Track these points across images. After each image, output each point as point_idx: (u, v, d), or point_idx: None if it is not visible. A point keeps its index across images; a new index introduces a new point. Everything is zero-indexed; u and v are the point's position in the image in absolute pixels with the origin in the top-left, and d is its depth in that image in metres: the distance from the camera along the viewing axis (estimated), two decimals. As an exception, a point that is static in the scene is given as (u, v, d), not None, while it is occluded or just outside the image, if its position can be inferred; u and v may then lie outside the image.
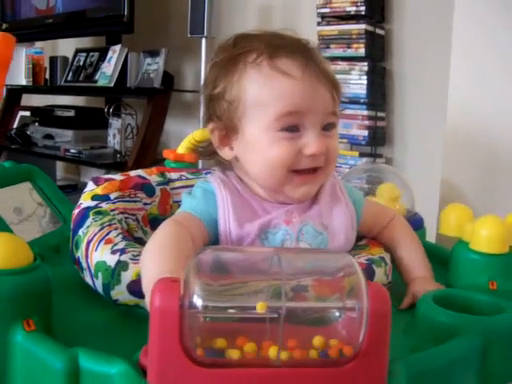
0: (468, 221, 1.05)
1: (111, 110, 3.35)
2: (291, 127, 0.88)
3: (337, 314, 0.58)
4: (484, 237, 0.98)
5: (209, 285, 0.58)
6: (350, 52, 2.40)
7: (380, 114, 2.45)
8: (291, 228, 0.91)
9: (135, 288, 0.84)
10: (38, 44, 4.08)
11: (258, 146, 0.89)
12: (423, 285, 0.95)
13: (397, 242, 1.04)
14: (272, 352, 0.56)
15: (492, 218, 1.00)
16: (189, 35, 2.81)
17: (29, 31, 3.81)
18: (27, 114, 4.03)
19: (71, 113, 3.64)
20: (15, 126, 4.03)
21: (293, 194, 0.92)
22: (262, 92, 0.88)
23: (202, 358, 0.56)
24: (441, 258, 1.14)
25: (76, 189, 3.68)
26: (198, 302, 0.56)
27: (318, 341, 0.57)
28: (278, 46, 0.90)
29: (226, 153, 0.95)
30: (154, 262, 0.78)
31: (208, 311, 0.56)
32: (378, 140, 2.44)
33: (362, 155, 2.42)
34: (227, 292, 0.59)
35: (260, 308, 0.56)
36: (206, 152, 1.00)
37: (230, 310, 0.57)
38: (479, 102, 1.82)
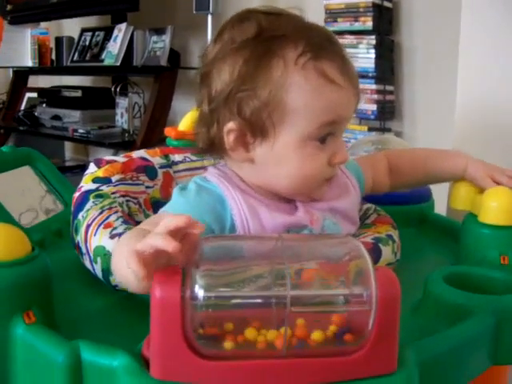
0: (479, 194, 1.03)
1: (118, 90, 3.34)
2: (327, 136, 0.85)
3: (344, 300, 0.57)
4: (494, 208, 0.95)
5: (210, 274, 0.56)
6: (357, 25, 2.37)
7: (388, 88, 2.42)
8: (316, 227, 0.89)
9: None
10: (43, 24, 4.06)
11: (290, 158, 0.84)
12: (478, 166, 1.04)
13: (409, 166, 1.07)
14: (278, 342, 0.54)
15: (501, 189, 0.97)
16: (194, 12, 2.79)
17: (33, 12, 3.79)
18: (34, 95, 4.03)
19: (78, 93, 3.64)
20: (23, 107, 4.03)
21: (318, 195, 0.90)
22: (308, 100, 0.82)
23: (205, 349, 0.55)
24: (451, 231, 1.13)
25: (85, 169, 3.66)
26: (199, 292, 0.54)
27: (325, 329, 0.55)
28: (319, 45, 0.83)
29: (239, 154, 0.87)
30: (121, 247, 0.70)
31: (210, 302, 0.54)
32: (386, 114, 2.42)
33: (370, 129, 2.39)
34: (229, 278, 0.57)
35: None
36: (202, 149, 0.92)
37: (233, 301, 0.55)
38: (490, 73, 1.79)
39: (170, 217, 0.60)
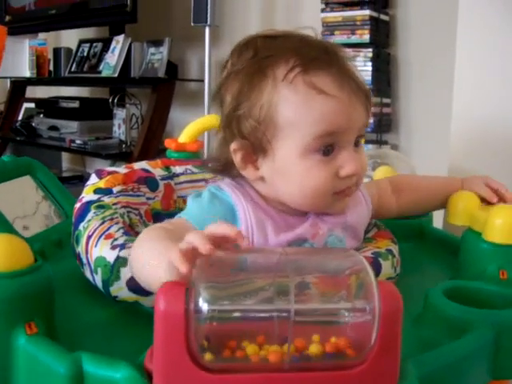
0: (476, 209, 1.04)
1: (116, 101, 3.34)
2: (327, 148, 0.83)
3: (347, 314, 0.57)
4: (498, 226, 0.95)
5: (214, 287, 0.56)
6: (354, 38, 2.38)
7: (385, 101, 2.43)
8: (317, 241, 0.89)
9: (134, 284, 0.82)
10: (42, 35, 4.07)
11: (293, 173, 0.84)
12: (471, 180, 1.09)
13: (410, 182, 1.11)
14: (281, 356, 0.54)
15: (506, 207, 0.98)
16: (192, 24, 2.79)
17: (32, 23, 3.80)
18: (32, 105, 4.03)
19: (76, 104, 3.63)
20: (20, 117, 4.03)
21: (333, 210, 0.90)
22: (297, 113, 0.82)
23: (209, 363, 0.54)
24: (450, 245, 1.14)
25: (82, 180, 3.68)
26: (203, 306, 0.54)
27: (327, 343, 0.55)
28: (310, 58, 0.82)
29: (250, 173, 0.88)
30: (145, 254, 0.74)
31: (214, 315, 0.54)
32: (383, 127, 2.42)
33: (367, 142, 2.39)
34: (233, 291, 0.57)
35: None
36: (220, 169, 0.93)
37: (237, 314, 0.56)
38: (487, 87, 1.80)
39: (223, 225, 0.63)
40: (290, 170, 0.85)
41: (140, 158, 2.89)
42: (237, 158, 0.87)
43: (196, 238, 0.60)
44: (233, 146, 0.86)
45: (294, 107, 0.82)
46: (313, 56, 0.83)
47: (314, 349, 0.55)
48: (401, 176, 1.19)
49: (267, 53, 0.84)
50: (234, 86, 0.86)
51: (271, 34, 0.88)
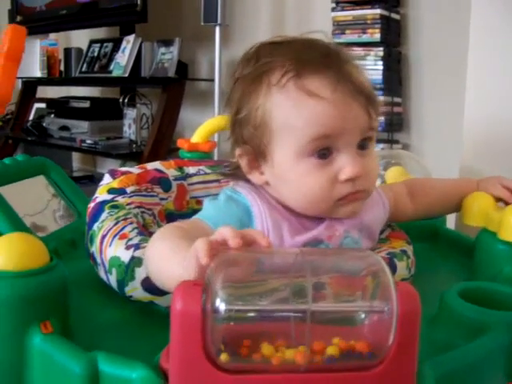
0: (492, 210, 1.03)
1: (126, 101, 3.34)
2: (323, 151, 0.82)
3: (364, 315, 0.56)
4: None
5: (232, 286, 0.56)
6: (365, 37, 2.37)
7: (396, 100, 2.42)
8: (333, 243, 0.88)
9: (149, 284, 0.82)
10: (52, 36, 4.08)
11: (291, 178, 0.84)
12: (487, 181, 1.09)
13: (426, 185, 1.11)
14: (298, 356, 0.54)
15: None
16: (202, 23, 2.79)
17: (43, 23, 3.81)
18: (43, 105, 4.04)
19: (86, 104, 3.65)
20: (31, 118, 4.04)
21: (340, 215, 0.88)
22: (289, 117, 0.82)
23: (226, 363, 0.54)
24: (464, 246, 1.13)
25: (92, 180, 3.70)
26: (221, 305, 0.54)
27: (344, 343, 0.55)
28: (305, 62, 0.82)
29: (256, 177, 0.89)
30: (163, 257, 0.74)
31: (231, 315, 0.54)
32: (394, 126, 2.42)
33: (378, 141, 2.38)
34: (250, 291, 0.57)
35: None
36: (235, 175, 0.94)
37: (254, 314, 0.55)
38: (499, 86, 1.79)
39: (255, 231, 0.64)
40: (288, 175, 0.85)
41: (150, 158, 2.90)
42: (243, 163, 0.89)
43: (228, 230, 0.61)
44: (237, 151, 0.89)
45: (287, 111, 0.82)
46: (309, 60, 0.83)
47: (331, 350, 0.54)
48: (415, 179, 1.19)
49: (268, 59, 0.85)
50: (237, 91, 0.88)
51: (277, 41, 0.89)
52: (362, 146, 0.85)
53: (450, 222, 1.32)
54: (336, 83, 0.81)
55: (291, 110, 0.82)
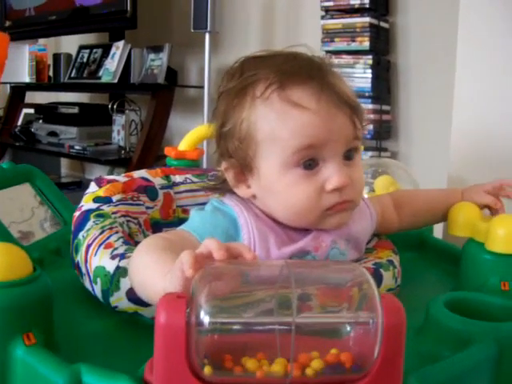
0: (478, 220, 1.03)
1: (115, 107, 3.34)
2: (308, 162, 0.82)
3: (349, 327, 0.56)
4: (501, 236, 0.95)
5: (216, 299, 0.55)
6: (354, 45, 2.38)
7: (385, 108, 2.42)
8: (320, 254, 0.88)
9: (134, 295, 0.81)
10: (41, 41, 4.07)
11: (277, 190, 0.84)
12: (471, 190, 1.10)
13: (411, 197, 1.11)
14: (283, 369, 0.54)
15: (508, 217, 0.98)
16: (192, 30, 2.79)
17: (32, 28, 3.80)
18: (31, 111, 4.02)
19: (75, 109, 3.63)
20: (19, 123, 4.02)
21: (327, 226, 0.87)
22: (274, 128, 0.82)
23: (210, 376, 0.54)
24: (451, 255, 1.13)
25: (80, 186, 3.68)
26: (205, 318, 0.53)
27: (329, 356, 0.55)
28: (288, 74, 0.82)
29: (243, 191, 0.89)
30: (147, 268, 0.73)
31: (216, 327, 0.54)
32: (383, 134, 2.42)
33: (367, 149, 2.39)
34: (235, 303, 0.57)
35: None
36: (221, 190, 0.94)
37: (239, 327, 0.55)
38: (486, 95, 1.80)
39: (241, 245, 0.64)
40: (274, 187, 0.85)
41: (139, 164, 2.89)
42: (229, 177, 0.89)
43: (212, 243, 0.61)
44: (223, 165, 0.89)
45: (271, 123, 0.82)
46: (292, 71, 0.83)
47: (316, 363, 0.54)
48: (401, 191, 1.21)
49: (251, 72, 0.85)
50: (222, 105, 0.88)
51: (261, 55, 0.89)
52: (348, 156, 0.85)
53: (438, 231, 1.32)
54: (319, 93, 0.81)
55: (276, 122, 0.82)
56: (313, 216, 0.85)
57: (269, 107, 0.82)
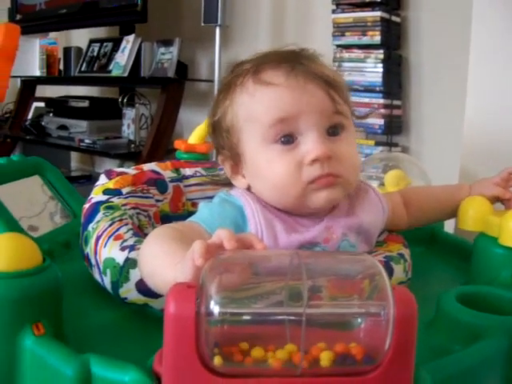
0: (489, 214, 1.03)
1: (125, 100, 3.34)
2: (286, 137, 0.83)
3: (360, 318, 0.55)
4: None
5: (226, 289, 0.55)
6: (365, 40, 2.37)
7: (396, 103, 2.42)
8: (330, 246, 0.87)
9: (144, 286, 0.81)
10: (52, 35, 4.08)
11: (260, 169, 0.85)
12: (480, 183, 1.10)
13: (421, 194, 1.12)
14: (293, 360, 0.53)
15: None
16: (202, 24, 2.79)
17: (42, 22, 3.81)
18: (42, 104, 4.03)
19: (85, 103, 3.63)
20: (30, 117, 4.03)
21: (315, 203, 0.85)
22: (250, 109, 0.84)
23: (219, 367, 0.53)
24: (462, 250, 1.13)
25: (90, 179, 3.69)
26: (215, 308, 0.53)
27: (340, 347, 0.54)
28: (264, 62, 0.86)
29: (239, 182, 0.91)
30: (157, 259, 0.73)
31: (225, 318, 0.53)
32: (393, 129, 2.41)
33: (377, 144, 2.39)
34: (244, 294, 0.56)
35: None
36: (225, 182, 0.95)
37: (249, 317, 0.54)
38: (499, 90, 1.79)
39: (252, 236, 0.64)
40: (258, 169, 0.86)
41: (149, 158, 2.89)
42: (226, 169, 0.92)
43: (224, 232, 0.61)
44: (219, 158, 0.92)
45: (247, 105, 0.85)
46: (269, 60, 0.86)
47: (326, 354, 0.54)
48: (410, 188, 1.21)
49: (235, 69, 0.89)
50: (213, 101, 0.92)
51: (255, 55, 0.90)
52: (333, 132, 0.85)
53: (449, 225, 1.32)
54: (290, 70, 0.83)
55: (250, 103, 0.85)
56: (295, 191, 0.83)
57: (244, 92, 0.85)
